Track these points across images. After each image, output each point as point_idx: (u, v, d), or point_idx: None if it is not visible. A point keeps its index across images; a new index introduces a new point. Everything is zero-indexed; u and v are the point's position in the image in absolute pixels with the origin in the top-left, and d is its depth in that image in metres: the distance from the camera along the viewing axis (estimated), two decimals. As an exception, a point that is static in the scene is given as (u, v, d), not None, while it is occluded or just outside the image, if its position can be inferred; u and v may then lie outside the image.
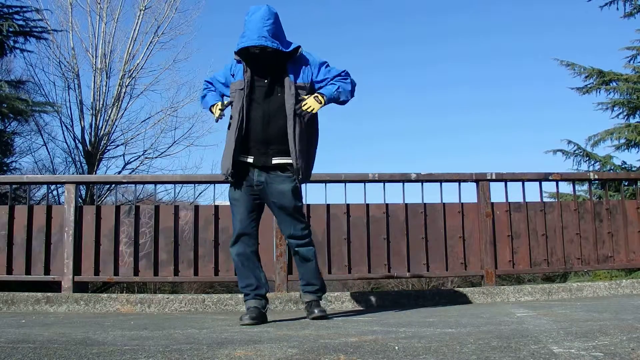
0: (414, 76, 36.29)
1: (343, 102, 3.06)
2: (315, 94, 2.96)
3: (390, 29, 33.96)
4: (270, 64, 2.91)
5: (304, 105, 2.91)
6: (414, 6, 34.71)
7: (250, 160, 2.95)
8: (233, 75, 3.02)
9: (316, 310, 3.02)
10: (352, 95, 3.08)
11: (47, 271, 4.41)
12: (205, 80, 3.26)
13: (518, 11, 33.28)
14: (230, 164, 2.90)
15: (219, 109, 3.02)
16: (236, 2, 32.08)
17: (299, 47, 2.94)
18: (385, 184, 4.65)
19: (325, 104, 2.97)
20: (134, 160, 14.28)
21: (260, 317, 2.91)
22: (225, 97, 3.15)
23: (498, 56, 34.67)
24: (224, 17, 30.07)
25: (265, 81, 2.94)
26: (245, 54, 2.90)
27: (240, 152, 2.94)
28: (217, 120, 3.02)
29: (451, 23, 33.72)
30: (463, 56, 33.76)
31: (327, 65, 3.06)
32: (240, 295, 4.08)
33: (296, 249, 3.05)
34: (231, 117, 2.99)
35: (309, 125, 3.01)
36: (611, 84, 10.58)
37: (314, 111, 2.94)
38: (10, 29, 9.28)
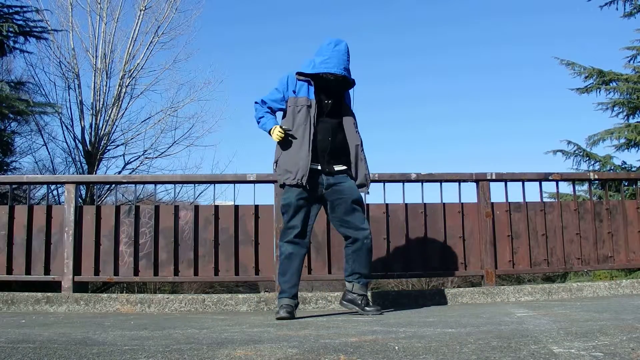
0: (411, 67, 36.25)
1: None
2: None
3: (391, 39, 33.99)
4: (335, 88, 3.35)
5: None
6: (415, 17, 34.71)
7: (319, 167, 3.30)
8: (294, 92, 3.35)
9: (373, 309, 3.28)
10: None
11: (47, 271, 4.41)
12: (256, 102, 3.48)
13: (520, 11, 33.26)
14: (306, 171, 3.21)
15: (280, 132, 3.28)
16: (236, 3, 32.09)
17: (352, 82, 3.41)
18: (385, 183, 4.65)
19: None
20: (134, 160, 14.25)
21: (293, 314, 3.16)
22: (279, 119, 3.47)
23: (499, 56, 34.65)
24: (224, 17, 30.09)
25: (330, 101, 3.35)
26: (315, 76, 3.29)
27: (313, 161, 3.28)
28: (278, 141, 3.33)
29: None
30: (464, 47, 33.70)
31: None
32: (240, 296, 4.09)
33: (365, 240, 3.29)
34: (292, 124, 3.30)
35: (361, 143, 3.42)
36: (611, 84, 10.58)
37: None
38: (10, 29, 9.27)
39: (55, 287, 4.55)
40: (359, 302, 3.29)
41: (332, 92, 3.35)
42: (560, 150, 10.67)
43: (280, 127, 3.28)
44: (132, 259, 4.43)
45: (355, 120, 3.42)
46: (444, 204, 4.66)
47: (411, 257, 4.56)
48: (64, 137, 13.74)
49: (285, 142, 3.29)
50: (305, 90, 3.32)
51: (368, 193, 3.46)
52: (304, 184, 3.20)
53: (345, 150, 3.35)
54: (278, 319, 3.07)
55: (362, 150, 3.39)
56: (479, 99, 35.12)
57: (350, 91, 3.48)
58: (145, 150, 14.32)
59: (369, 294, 4.10)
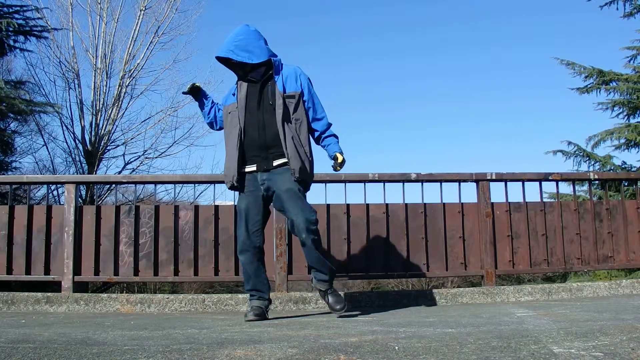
0: (412, 67, 36.24)
1: None
2: (337, 153, 3.25)
3: (390, 39, 34.02)
4: (258, 76, 3.18)
5: (339, 165, 3.23)
6: (417, 17, 34.72)
7: (253, 168, 3.17)
8: (234, 95, 3.27)
9: (338, 307, 3.12)
10: None
11: (47, 271, 4.41)
12: None
13: (520, 11, 33.25)
14: (235, 172, 3.14)
15: (192, 87, 3.31)
16: (237, 3, 32.08)
17: (269, 59, 3.16)
18: (385, 184, 4.65)
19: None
20: (134, 160, 14.27)
21: (262, 315, 3.13)
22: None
23: (499, 56, 34.64)
24: (224, 17, 30.07)
25: (257, 93, 3.17)
26: (233, 67, 3.23)
27: (243, 164, 3.18)
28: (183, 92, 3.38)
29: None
30: (464, 47, 33.68)
31: (312, 91, 3.27)
32: (240, 296, 4.09)
33: (308, 234, 3.01)
34: (225, 134, 3.26)
35: (302, 132, 3.17)
36: (611, 84, 10.58)
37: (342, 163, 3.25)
38: (10, 28, 9.28)
39: (55, 287, 4.55)
40: (324, 297, 3.19)
41: (259, 82, 3.16)
42: (561, 151, 10.67)
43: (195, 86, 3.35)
44: (132, 259, 4.43)
45: (288, 108, 3.11)
46: (444, 204, 4.66)
47: (411, 257, 4.56)
48: (64, 137, 13.79)
49: (228, 143, 3.22)
50: (237, 91, 3.22)
51: (297, 179, 3.07)
52: (236, 185, 3.17)
53: (279, 143, 3.09)
54: (247, 321, 3.00)
55: (300, 139, 3.11)
56: (479, 99, 35.11)
57: (299, 74, 3.22)
58: (145, 150, 14.35)
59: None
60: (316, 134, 3.30)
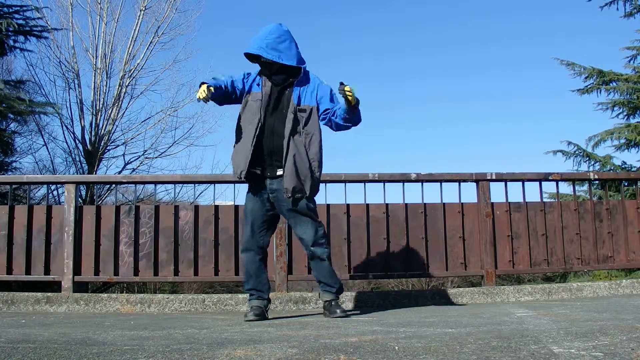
0: (412, 67, 36.23)
1: (355, 122, 3.17)
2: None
3: (392, 36, 34.02)
4: (280, 80, 3.14)
5: (347, 89, 2.97)
6: (418, 16, 34.73)
7: (258, 172, 3.15)
8: (258, 85, 3.19)
9: (338, 310, 3.12)
10: (358, 122, 3.21)
11: (47, 271, 4.41)
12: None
13: (520, 11, 33.26)
14: (245, 167, 3.06)
15: (206, 91, 2.95)
16: (236, 3, 32.09)
17: (300, 67, 3.13)
18: (385, 184, 4.65)
19: (357, 103, 3.06)
20: (134, 160, 14.27)
21: (262, 315, 3.14)
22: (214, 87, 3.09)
23: (499, 56, 34.64)
24: (224, 17, 30.10)
25: (275, 96, 3.15)
26: (261, 65, 3.15)
27: (254, 162, 3.10)
28: (198, 99, 2.97)
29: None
30: (464, 47, 33.65)
31: (336, 98, 3.20)
32: (240, 296, 4.09)
33: (313, 248, 3.14)
34: (241, 123, 3.16)
35: (311, 146, 3.12)
36: (611, 84, 10.58)
37: (350, 94, 2.97)
38: (10, 28, 9.28)
39: (55, 287, 4.55)
40: (328, 307, 3.18)
41: (279, 85, 3.14)
42: (561, 151, 10.66)
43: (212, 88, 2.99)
44: (132, 259, 4.43)
45: (299, 121, 3.08)
46: (444, 204, 4.66)
47: (411, 257, 4.56)
48: (64, 137, 13.79)
49: (243, 136, 3.13)
50: (261, 85, 3.16)
51: (289, 197, 3.06)
52: (244, 180, 3.11)
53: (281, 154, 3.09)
54: (247, 321, 3.00)
55: (308, 153, 3.08)
56: (479, 99, 35.08)
57: (319, 84, 3.19)
58: (145, 150, 14.35)
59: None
60: (339, 111, 3.15)
